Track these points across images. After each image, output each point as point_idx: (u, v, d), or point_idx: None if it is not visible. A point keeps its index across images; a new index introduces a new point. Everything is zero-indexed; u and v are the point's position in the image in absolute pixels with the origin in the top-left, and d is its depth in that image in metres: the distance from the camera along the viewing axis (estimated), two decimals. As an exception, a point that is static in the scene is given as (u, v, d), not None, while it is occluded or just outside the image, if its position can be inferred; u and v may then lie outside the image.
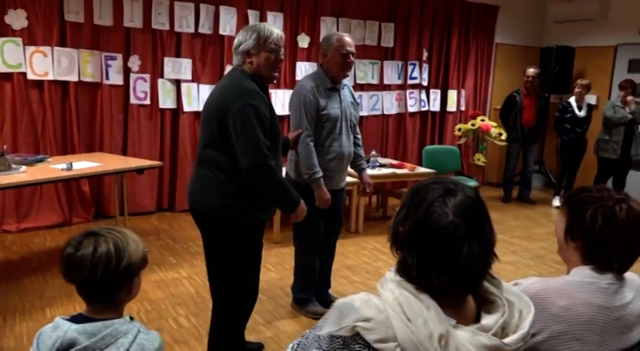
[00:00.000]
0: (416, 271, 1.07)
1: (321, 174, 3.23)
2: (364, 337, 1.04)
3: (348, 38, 3.26)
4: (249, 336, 3.15)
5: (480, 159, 6.68)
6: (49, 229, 4.98)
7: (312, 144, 3.21)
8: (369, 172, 5.12)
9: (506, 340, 1.06)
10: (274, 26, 2.52)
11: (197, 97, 5.81)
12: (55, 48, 5.01)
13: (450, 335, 1.02)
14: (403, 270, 1.11)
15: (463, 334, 1.04)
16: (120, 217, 4.80)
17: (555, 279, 1.55)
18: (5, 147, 3.95)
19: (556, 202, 6.94)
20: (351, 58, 3.23)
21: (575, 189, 1.63)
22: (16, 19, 4.82)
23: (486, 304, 1.14)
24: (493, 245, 1.12)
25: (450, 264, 1.06)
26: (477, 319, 1.11)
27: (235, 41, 2.51)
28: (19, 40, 4.85)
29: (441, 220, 1.06)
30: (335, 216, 3.50)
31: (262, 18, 6.02)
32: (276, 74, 2.54)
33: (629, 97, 6.20)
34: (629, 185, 6.46)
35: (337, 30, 6.47)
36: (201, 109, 5.75)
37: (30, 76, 4.92)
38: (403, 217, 1.13)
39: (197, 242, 4.74)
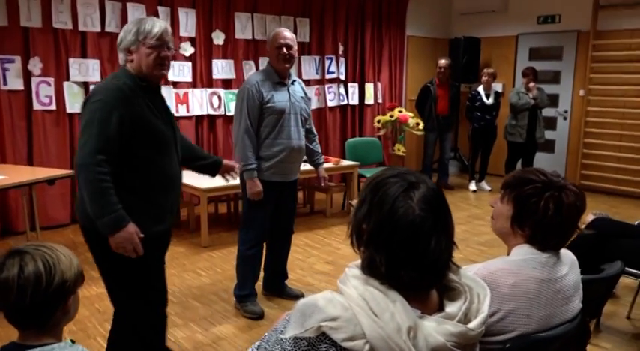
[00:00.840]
0: (385, 268, 1.05)
1: (253, 166, 3.29)
2: (331, 337, 1.01)
3: (284, 31, 3.37)
4: (188, 345, 3.03)
5: (399, 149, 6.85)
6: (-52, 252, 4.52)
7: (247, 137, 3.27)
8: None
9: (470, 325, 1.07)
10: (159, 21, 2.29)
11: (108, 99, 5.48)
12: (-58, 51, 4.55)
13: (417, 326, 1.01)
14: (370, 268, 1.08)
15: (430, 324, 1.03)
16: (31, 232, 4.45)
17: (496, 261, 1.59)
18: None
19: (472, 186, 7.28)
20: (286, 50, 3.29)
21: (512, 176, 1.67)
22: None
23: (448, 291, 1.14)
24: (453, 235, 1.12)
25: (419, 259, 1.05)
26: (440, 308, 1.11)
27: (118, 38, 2.31)
28: None
29: (408, 216, 1.04)
30: (286, 208, 3.55)
31: (173, 15, 5.81)
32: (163, 72, 2.31)
33: (532, 84, 6.59)
34: (537, 166, 6.88)
35: (252, 26, 6.39)
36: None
37: None
38: (366, 214, 1.10)
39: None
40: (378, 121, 6.87)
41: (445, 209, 1.11)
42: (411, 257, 1.04)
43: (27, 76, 5.02)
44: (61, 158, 5.23)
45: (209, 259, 4.46)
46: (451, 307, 1.09)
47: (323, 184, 3.91)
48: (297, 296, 3.66)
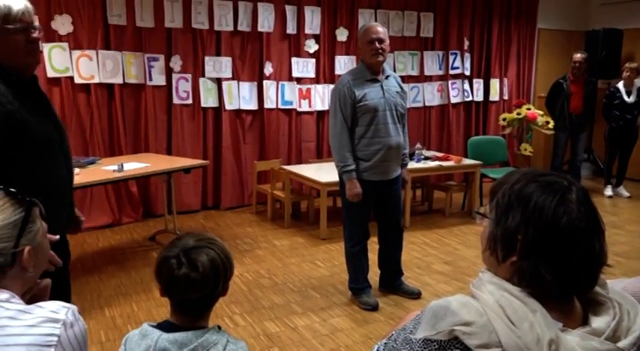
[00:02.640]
0: (551, 277, 1.01)
1: (352, 167, 3.31)
2: (464, 342, 0.99)
3: (375, 25, 3.34)
4: (307, 334, 3.14)
5: (526, 149, 6.50)
6: (100, 230, 5.07)
7: (343, 137, 3.29)
8: (415, 165, 5.10)
9: (620, 344, 0.99)
10: None
11: (237, 95, 5.82)
12: (100, 51, 5.09)
13: (559, 340, 0.96)
14: (531, 280, 1.03)
15: (573, 339, 0.98)
16: (168, 216, 4.86)
17: None
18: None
19: (608, 191, 6.70)
20: (379, 44, 3.27)
21: None
22: (62, 24, 4.91)
23: (593, 305, 1.07)
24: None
25: (585, 264, 1.00)
26: (585, 322, 1.04)
27: None
28: (66, 44, 4.94)
29: (572, 221, 0.99)
30: (390, 206, 3.53)
31: (300, 13, 5.99)
32: (36, 58, 1.95)
33: None
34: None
35: (375, 21, 6.39)
36: (241, 106, 5.83)
37: (77, 80, 5.01)
38: (520, 223, 1.05)
39: (244, 240, 4.77)
40: (504, 119, 6.56)
41: (597, 211, 1.05)
42: (577, 263, 1.00)
43: (168, 72, 5.47)
44: (195, 149, 5.64)
45: (327, 251, 4.57)
46: (598, 323, 1.02)
47: (403, 188, 3.82)
48: (413, 294, 3.65)
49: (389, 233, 3.62)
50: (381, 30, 3.30)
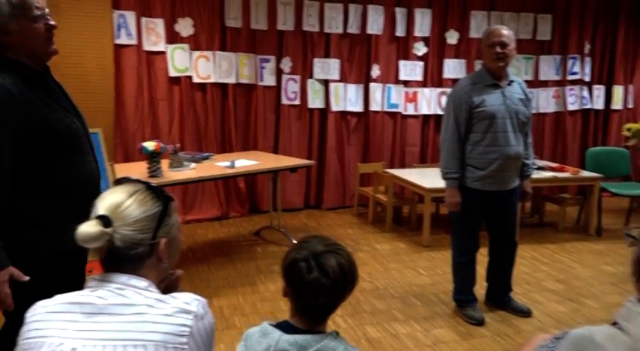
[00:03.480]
0: None
1: (455, 175, 3.20)
2: None
3: (499, 28, 3.19)
4: (409, 342, 3.07)
5: (652, 162, 5.95)
6: (209, 222, 5.33)
7: (453, 143, 3.18)
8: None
9: None
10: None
11: (344, 96, 5.86)
12: (217, 52, 5.34)
13: None
14: None
15: None
16: (273, 212, 4.99)
17: None
18: (178, 145, 4.27)
19: None
20: (501, 48, 3.10)
21: None
22: (184, 27, 5.21)
23: None
24: None
25: None
26: None
27: None
28: (187, 46, 5.23)
29: None
30: (504, 218, 3.37)
31: (410, 15, 5.91)
32: (53, 46, 1.78)
33: None
34: None
35: (488, 24, 6.16)
36: (347, 108, 5.86)
37: (195, 80, 5.29)
38: None
39: (346, 241, 4.78)
40: (628, 129, 6.04)
41: None
42: None
43: (278, 73, 5.62)
44: (301, 148, 5.75)
45: (429, 259, 4.46)
46: None
47: (525, 200, 3.59)
48: (523, 312, 3.45)
49: (501, 246, 3.45)
50: (505, 33, 3.14)
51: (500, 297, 3.55)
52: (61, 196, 1.77)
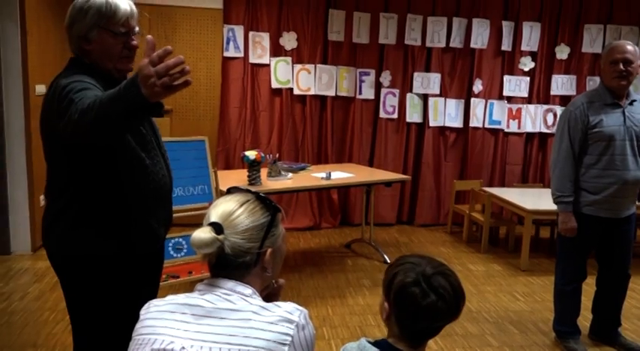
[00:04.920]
0: None
1: (570, 198, 3.02)
2: None
3: (623, 44, 2.96)
4: (501, 371, 2.94)
5: None
6: (301, 231, 5.43)
7: (567, 165, 3.01)
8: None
9: None
10: None
11: (443, 111, 5.75)
12: (318, 65, 5.46)
13: None
14: None
15: None
16: (365, 226, 4.99)
17: None
18: (277, 155, 4.41)
19: None
20: (624, 65, 2.89)
21: None
22: (289, 40, 5.39)
23: None
24: None
25: None
26: None
27: (66, 20, 1.73)
28: (289, 59, 5.40)
29: None
30: (617, 247, 3.14)
31: (517, 28, 5.70)
32: (128, 66, 1.77)
33: None
34: None
35: (603, 39, 5.79)
36: (446, 124, 5.74)
37: (295, 92, 5.44)
38: None
39: (438, 259, 4.65)
40: None
41: None
42: None
43: (377, 87, 5.64)
44: (396, 163, 5.72)
45: (527, 284, 4.24)
46: None
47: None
48: (633, 350, 3.18)
49: (612, 277, 3.21)
50: (630, 49, 2.92)
51: (607, 331, 3.29)
52: (123, 198, 1.74)
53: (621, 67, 2.90)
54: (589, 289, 3.30)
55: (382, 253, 4.57)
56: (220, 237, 1.19)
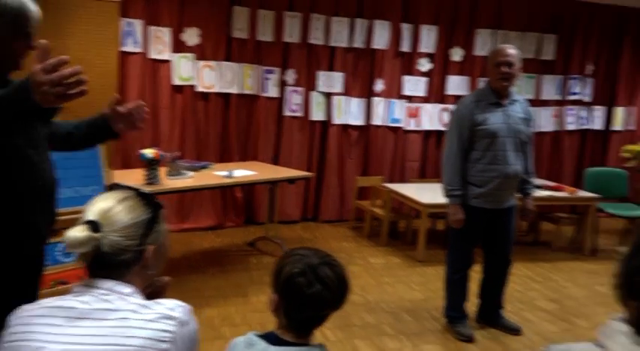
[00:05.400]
0: None
1: (459, 192, 3.22)
2: None
3: (507, 48, 3.21)
4: (396, 357, 3.08)
5: (651, 185, 5.95)
6: (205, 231, 5.36)
7: (456, 160, 3.20)
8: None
9: None
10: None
11: (346, 109, 5.90)
12: (222, 62, 5.40)
13: None
14: None
15: None
16: (269, 223, 5.01)
17: None
18: (178, 154, 4.31)
19: None
20: (507, 68, 3.13)
21: None
22: (191, 36, 5.28)
23: None
24: None
25: None
26: None
27: None
28: (192, 55, 5.30)
29: None
30: (500, 236, 3.40)
31: (416, 31, 5.97)
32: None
33: None
34: None
35: (494, 43, 6.21)
36: (349, 122, 5.90)
37: (198, 89, 5.35)
38: None
39: (340, 254, 4.77)
40: (628, 151, 6.06)
41: None
42: None
43: (282, 85, 5.68)
44: (301, 160, 5.79)
45: (423, 274, 4.47)
46: None
47: (527, 218, 3.61)
48: (513, 330, 3.46)
49: (495, 264, 3.47)
50: (512, 52, 3.15)
51: (491, 314, 3.56)
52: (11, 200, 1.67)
53: (505, 69, 3.12)
54: (477, 276, 3.54)
55: (286, 250, 4.62)
56: (97, 235, 1.16)
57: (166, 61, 5.23)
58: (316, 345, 1.40)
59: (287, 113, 5.73)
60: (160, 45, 5.19)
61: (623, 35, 6.62)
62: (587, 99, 6.66)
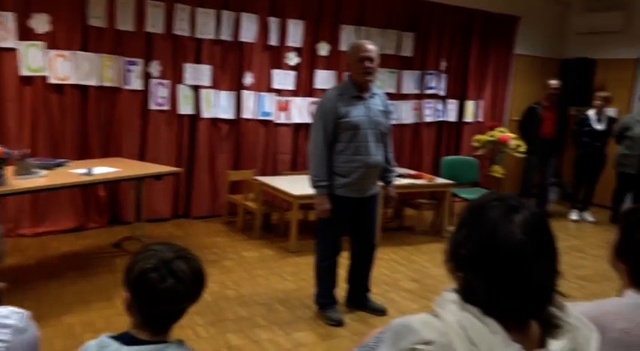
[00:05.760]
0: (484, 294, 1.02)
1: (325, 183, 3.31)
2: None
3: (367, 44, 3.33)
4: (270, 347, 3.11)
5: (497, 171, 6.61)
6: (64, 234, 4.97)
7: (322, 152, 3.29)
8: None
9: None
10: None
11: (215, 103, 5.80)
12: (78, 52, 5.03)
13: None
14: (468, 293, 1.05)
15: None
16: (136, 223, 4.78)
17: (608, 302, 1.49)
18: (28, 151, 3.93)
19: (573, 215, 6.85)
20: (370, 63, 3.26)
21: (634, 206, 1.58)
22: (40, 23, 4.84)
23: (551, 328, 1.09)
24: (559, 262, 1.08)
25: (521, 286, 1.01)
26: (542, 345, 1.06)
27: None
28: (42, 43, 4.86)
29: (510, 240, 1.01)
30: (365, 223, 3.54)
31: (283, 25, 6.02)
32: None
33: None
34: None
35: (358, 38, 6.46)
36: (219, 115, 5.81)
37: (51, 80, 4.93)
38: (465, 238, 1.08)
39: (212, 250, 4.72)
40: (477, 141, 6.67)
41: (549, 235, 1.06)
42: (512, 284, 1.01)
43: (146, 77, 5.43)
44: (170, 156, 5.59)
45: (295, 264, 4.55)
46: (554, 346, 1.04)
47: (390, 204, 3.87)
48: (379, 311, 3.66)
49: (362, 250, 3.63)
50: (372, 48, 3.28)
51: (359, 298, 3.72)
52: None
53: (368, 64, 3.26)
54: (345, 262, 3.68)
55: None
56: None
57: (12, 50, 4.74)
58: (174, 341, 1.37)
59: (153, 107, 5.49)
60: (2, 31, 4.69)
61: (472, 35, 7.24)
62: (442, 93, 7.20)
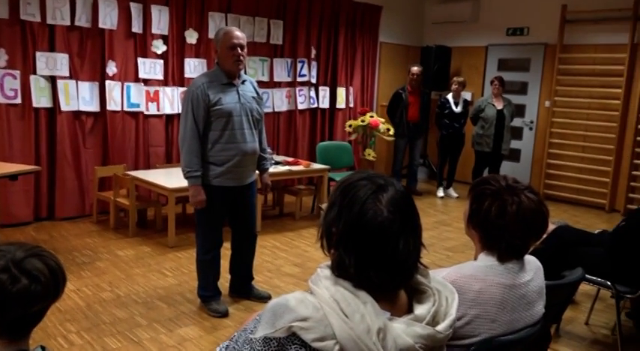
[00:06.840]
0: (354, 269, 1.07)
1: (197, 173, 3.23)
2: (301, 337, 1.02)
3: (236, 31, 3.27)
4: (152, 346, 2.98)
5: (370, 154, 6.91)
6: None
7: (193, 141, 3.19)
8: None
9: (438, 328, 1.09)
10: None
11: (76, 95, 5.38)
12: None
13: (387, 328, 1.03)
14: (340, 269, 1.09)
15: (399, 326, 1.05)
16: (-9, 229, 4.32)
17: (464, 266, 1.62)
18: None
19: (440, 192, 7.39)
20: (240, 50, 3.21)
21: (481, 178, 1.73)
22: None
23: (417, 293, 1.16)
24: (421, 236, 1.15)
25: (387, 260, 1.07)
26: (410, 310, 1.13)
27: None
28: None
29: (377, 217, 1.07)
30: (244, 212, 3.50)
31: (146, 11, 5.72)
32: None
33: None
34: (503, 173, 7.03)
35: (226, 26, 6.34)
36: (81, 108, 5.40)
37: None
38: (336, 216, 1.12)
39: (82, 251, 4.40)
40: (350, 126, 6.92)
41: (413, 211, 1.14)
42: (379, 258, 1.07)
43: (-9, 68, 4.88)
44: (26, 153, 5.10)
45: (175, 259, 4.40)
46: (420, 310, 1.11)
47: (266, 192, 3.89)
48: (264, 298, 3.66)
49: (243, 240, 3.59)
50: (241, 35, 3.22)
51: (243, 287, 3.70)
52: None
53: (238, 51, 3.20)
54: (227, 253, 3.63)
55: None
56: None
57: None
58: (36, 349, 1.25)
59: (2, 100, 4.95)
60: None
61: (339, 23, 7.45)
62: (313, 80, 7.34)
